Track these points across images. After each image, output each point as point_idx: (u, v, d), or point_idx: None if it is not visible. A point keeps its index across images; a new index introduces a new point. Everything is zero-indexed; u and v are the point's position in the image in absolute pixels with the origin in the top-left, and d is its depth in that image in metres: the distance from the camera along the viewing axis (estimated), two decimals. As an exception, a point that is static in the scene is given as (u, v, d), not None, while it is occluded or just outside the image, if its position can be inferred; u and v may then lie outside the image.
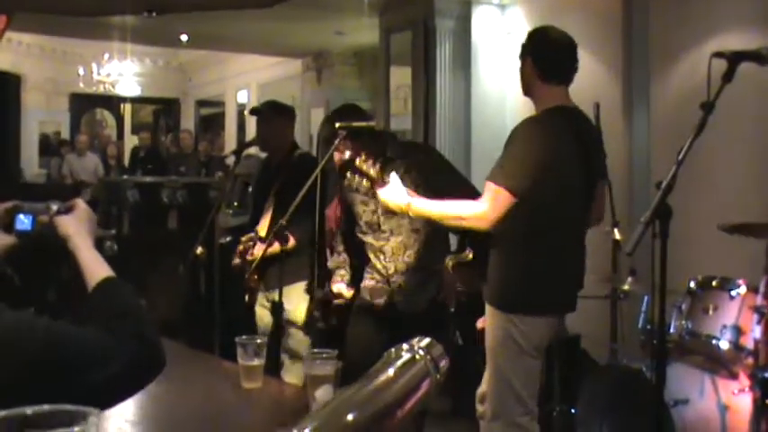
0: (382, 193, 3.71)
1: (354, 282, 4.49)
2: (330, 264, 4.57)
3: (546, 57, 3.78)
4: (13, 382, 1.47)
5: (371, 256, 4.35)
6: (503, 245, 3.66)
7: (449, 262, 3.89)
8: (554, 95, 3.76)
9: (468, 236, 3.84)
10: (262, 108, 5.43)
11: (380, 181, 3.70)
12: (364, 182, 3.74)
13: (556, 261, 3.75)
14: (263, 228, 5.03)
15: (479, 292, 3.82)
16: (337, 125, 4.05)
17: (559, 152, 3.69)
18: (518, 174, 3.54)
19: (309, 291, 4.78)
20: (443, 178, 4.27)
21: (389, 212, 4.06)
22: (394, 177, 3.73)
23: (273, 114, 5.29)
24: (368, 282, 4.38)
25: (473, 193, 3.87)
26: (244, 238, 5.04)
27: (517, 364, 3.70)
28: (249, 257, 4.91)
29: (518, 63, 3.89)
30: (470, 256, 3.83)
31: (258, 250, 4.83)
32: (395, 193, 3.68)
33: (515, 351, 3.68)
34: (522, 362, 3.70)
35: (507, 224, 3.56)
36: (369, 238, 4.35)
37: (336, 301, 4.49)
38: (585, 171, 3.81)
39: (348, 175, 3.76)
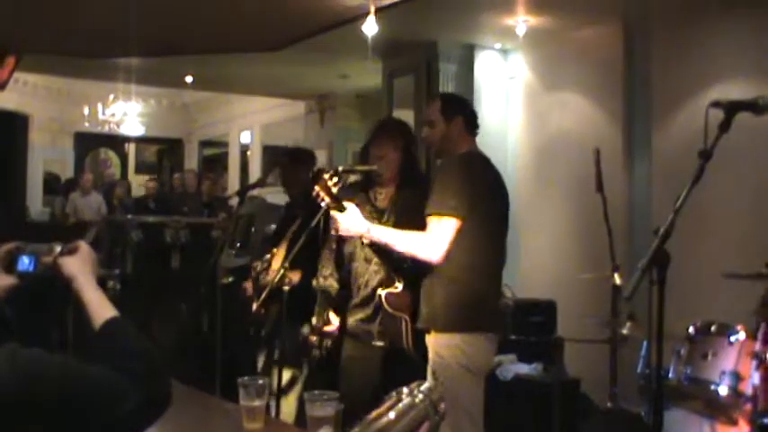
0: (340, 218, 3.94)
1: (341, 310, 4.50)
2: (315, 285, 4.58)
3: (472, 114, 4.26)
4: (28, 423, 1.49)
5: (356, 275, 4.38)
6: (441, 270, 3.89)
7: (380, 294, 4.10)
8: (471, 144, 4.19)
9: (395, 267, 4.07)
10: (282, 158, 5.67)
11: (337, 203, 3.91)
12: (326, 198, 3.89)
13: (491, 282, 4.04)
14: (276, 262, 5.04)
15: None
16: (340, 169, 4.12)
17: (487, 181, 4.06)
18: (456, 198, 3.83)
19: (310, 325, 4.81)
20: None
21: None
22: (351, 206, 3.96)
23: (294, 162, 5.52)
24: (354, 320, 4.39)
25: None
26: (257, 265, 5.06)
27: (464, 384, 3.85)
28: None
29: (446, 122, 4.17)
30: (399, 287, 4.07)
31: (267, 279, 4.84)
32: (353, 219, 3.94)
33: (461, 372, 3.83)
34: (468, 381, 3.86)
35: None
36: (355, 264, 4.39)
37: (326, 329, 4.50)
38: (504, 208, 4.13)
39: (316, 187, 3.91)
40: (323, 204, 3.94)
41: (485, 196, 3.96)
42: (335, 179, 3.91)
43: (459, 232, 3.83)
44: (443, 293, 3.91)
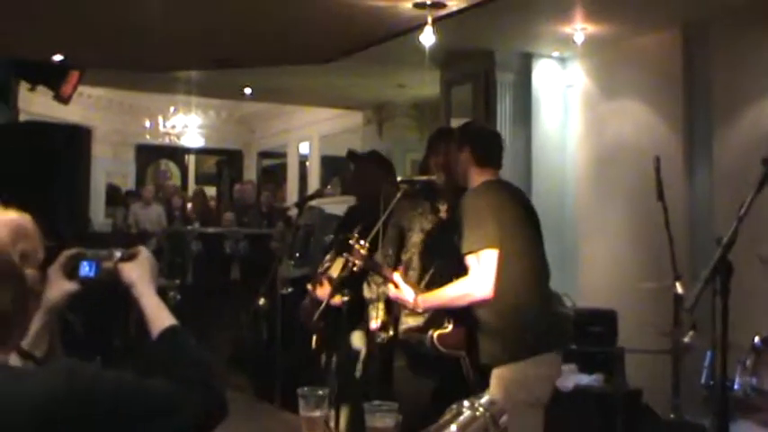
0: (392, 293, 4.08)
1: (389, 314, 4.50)
2: (366, 294, 4.57)
3: (481, 146, 4.20)
4: None
5: None
6: (490, 302, 3.86)
7: (432, 333, 4.07)
8: (488, 175, 4.14)
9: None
10: (357, 154, 5.57)
11: (370, 265, 4.09)
12: (358, 263, 4.01)
13: (539, 302, 4.02)
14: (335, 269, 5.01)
15: None
16: (399, 179, 4.15)
17: (509, 205, 4.07)
18: (487, 230, 3.86)
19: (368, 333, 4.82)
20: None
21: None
22: (398, 277, 4.07)
23: (366, 163, 5.38)
24: (407, 327, 4.39)
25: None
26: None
27: (524, 419, 3.74)
28: (321, 287, 4.88)
29: (459, 150, 4.19)
30: (449, 326, 4.04)
31: (323, 292, 4.79)
32: (404, 293, 4.05)
33: (519, 406, 3.73)
34: (526, 416, 3.79)
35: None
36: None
37: (379, 336, 4.50)
38: (534, 226, 4.15)
39: (348, 256, 4.04)
40: (356, 269, 4.06)
41: (510, 219, 3.97)
42: (362, 242, 4.00)
43: (500, 261, 3.84)
44: (495, 325, 3.91)
